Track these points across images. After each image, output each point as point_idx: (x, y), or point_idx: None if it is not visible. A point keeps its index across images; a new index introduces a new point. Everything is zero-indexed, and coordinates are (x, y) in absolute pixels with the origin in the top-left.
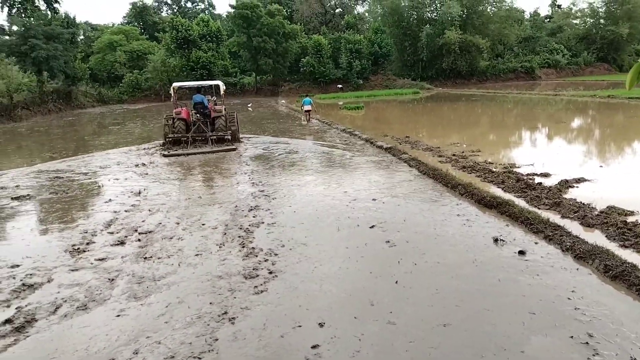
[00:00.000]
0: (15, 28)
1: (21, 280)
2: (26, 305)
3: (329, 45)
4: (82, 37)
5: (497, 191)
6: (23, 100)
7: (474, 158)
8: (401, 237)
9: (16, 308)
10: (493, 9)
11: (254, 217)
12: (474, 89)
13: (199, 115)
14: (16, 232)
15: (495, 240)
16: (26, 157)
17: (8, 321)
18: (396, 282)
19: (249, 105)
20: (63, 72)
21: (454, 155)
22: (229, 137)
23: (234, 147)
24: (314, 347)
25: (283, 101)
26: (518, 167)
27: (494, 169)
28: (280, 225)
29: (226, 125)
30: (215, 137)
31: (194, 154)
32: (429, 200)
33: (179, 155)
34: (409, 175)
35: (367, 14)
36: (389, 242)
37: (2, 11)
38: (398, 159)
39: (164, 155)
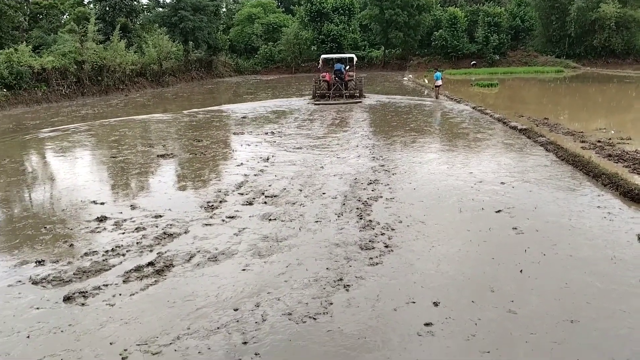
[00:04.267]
0: (168, 0)
1: (163, 229)
2: (166, 252)
3: (465, 18)
4: (224, 9)
5: None
6: (170, 68)
7: (622, 146)
8: (530, 225)
9: (157, 253)
10: None
11: (372, 190)
12: (629, 70)
13: (336, 79)
14: (161, 186)
15: None
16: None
17: (150, 264)
18: (521, 271)
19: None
20: (206, 43)
21: (599, 141)
22: (357, 94)
23: (360, 100)
24: (427, 324)
25: (410, 76)
26: None
27: None
28: (398, 201)
29: (355, 86)
30: (348, 93)
31: (334, 103)
32: (566, 189)
33: (325, 104)
34: (544, 160)
35: None
36: (516, 229)
37: None
38: (533, 142)
39: (315, 104)
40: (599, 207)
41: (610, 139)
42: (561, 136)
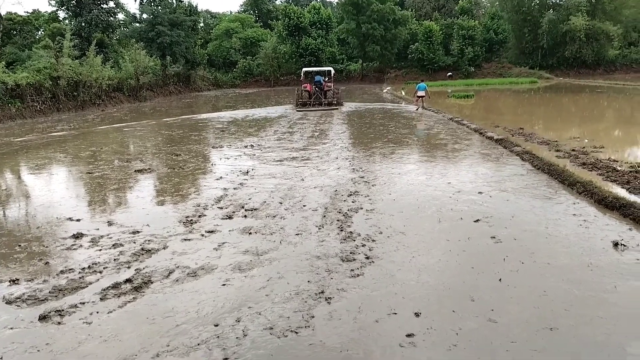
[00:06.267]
0: (145, 16)
1: (140, 245)
2: (144, 268)
3: (440, 32)
4: (202, 24)
5: (620, 192)
6: (148, 82)
7: (596, 154)
8: (508, 234)
9: (135, 269)
10: None
11: (352, 202)
12: (600, 80)
13: (316, 89)
14: (139, 201)
15: (616, 244)
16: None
17: (128, 280)
18: (500, 279)
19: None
20: (184, 57)
21: (573, 150)
22: (335, 102)
23: (337, 107)
24: (409, 335)
25: (388, 88)
26: None
27: (619, 168)
28: (378, 212)
29: (333, 95)
30: (326, 101)
31: (315, 110)
32: (542, 197)
33: (307, 110)
34: (520, 169)
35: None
36: (494, 238)
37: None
38: (509, 152)
39: (298, 110)
40: (574, 214)
41: (584, 147)
42: (536, 145)
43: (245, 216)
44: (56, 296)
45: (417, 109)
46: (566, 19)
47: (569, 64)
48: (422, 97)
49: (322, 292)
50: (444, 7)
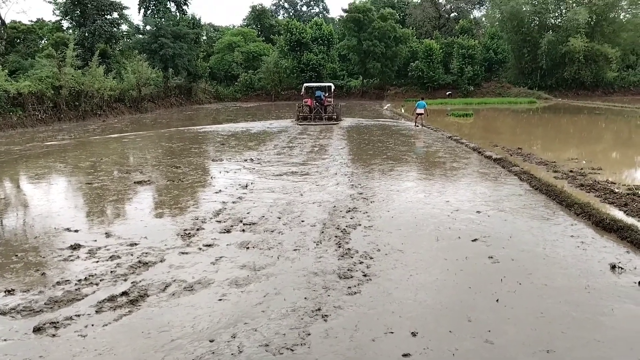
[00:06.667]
0: (148, 28)
1: (138, 257)
2: (140, 281)
3: (441, 50)
4: (205, 37)
5: (618, 214)
6: (149, 94)
7: (593, 176)
8: (506, 254)
9: (132, 282)
10: (627, 15)
11: (351, 218)
12: (598, 101)
13: (317, 104)
14: (138, 213)
15: (613, 267)
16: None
17: (125, 293)
18: (497, 300)
19: (447, 93)
20: (186, 70)
21: (571, 171)
22: (335, 117)
23: (337, 122)
24: (405, 355)
25: (388, 105)
26: None
27: (617, 190)
28: (377, 229)
29: (333, 110)
30: (326, 116)
31: (315, 124)
32: (540, 218)
33: (307, 124)
34: (518, 189)
35: (483, 19)
36: (492, 257)
37: (139, 13)
38: (508, 171)
39: (299, 124)
40: (572, 236)
41: (582, 169)
42: (534, 166)
43: (243, 230)
44: (51, 308)
45: (417, 127)
46: (565, 40)
47: (567, 85)
48: (421, 114)
49: (319, 309)
50: (444, 26)
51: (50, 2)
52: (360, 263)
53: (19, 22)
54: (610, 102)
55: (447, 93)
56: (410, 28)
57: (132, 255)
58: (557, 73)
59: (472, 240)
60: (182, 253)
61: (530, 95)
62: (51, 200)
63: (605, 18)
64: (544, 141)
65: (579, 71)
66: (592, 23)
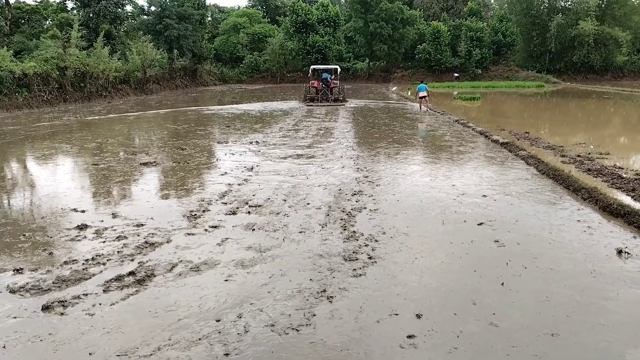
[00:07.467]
0: (153, 8)
1: (144, 238)
2: (147, 261)
3: (448, 33)
4: (210, 18)
5: (625, 199)
6: (154, 75)
7: (601, 161)
8: (511, 238)
9: (139, 262)
10: None
11: (356, 201)
12: (607, 85)
13: (323, 85)
14: (144, 194)
15: (619, 252)
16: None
17: (132, 273)
18: (502, 284)
19: (455, 75)
20: (191, 51)
21: (578, 156)
22: (341, 98)
23: (343, 103)
24: (409, 336)
25: (394, 88)
26: None
27: (624, 175)
28: (382, 213)
29: (339, 92)
30: (333, 97)
31: (322, 105)
32: (546, 202)
33: (314, 105)
34: (525, 174)
35: (492, 1)
36: (497, 241)
37: None
38: (515, 155)
39: (307, 105)
40: (578, 221)
41: (589, 153)
42: (542, 150)
43: (249, 212)
44: (59, 287)
45: (423, 110)
46: (575, 24)
47: (576, 68)
48: (424, 97)
49: (324, 290)
50: (452, 8)
51: None
52: (365, 246)
53: (24, 2)
54: (620, 87)
55: (455, 75)
56: (418, 10)
57: (138, 235)
58: (566, 57)
59: (478, 224)
60: (189, 234)
61: (538, 79)
62: (58, 181)
63: (617, 1)
64: (551, 125)
65: (589, 55)
66: (602, 6)
